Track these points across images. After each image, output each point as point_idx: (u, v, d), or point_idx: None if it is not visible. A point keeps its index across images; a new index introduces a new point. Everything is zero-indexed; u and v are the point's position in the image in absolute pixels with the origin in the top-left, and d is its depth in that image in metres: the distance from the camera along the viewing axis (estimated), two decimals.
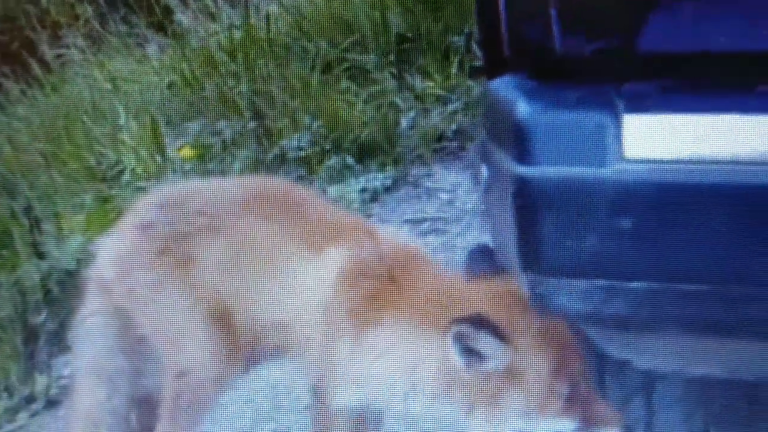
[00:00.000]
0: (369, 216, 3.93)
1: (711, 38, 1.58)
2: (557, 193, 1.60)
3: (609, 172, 1.57)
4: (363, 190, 4.13)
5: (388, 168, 4.31)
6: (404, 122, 4.51)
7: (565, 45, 1.65)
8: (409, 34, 5.08)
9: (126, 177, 4.28)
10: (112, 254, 2.33)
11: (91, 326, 2.33)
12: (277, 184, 2.48)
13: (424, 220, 3.84)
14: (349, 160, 4.30)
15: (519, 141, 1.63)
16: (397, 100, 4.65)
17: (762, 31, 1.56)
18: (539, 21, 1.67)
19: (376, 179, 4.22)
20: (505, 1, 1.77)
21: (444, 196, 4.03)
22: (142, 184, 4.11)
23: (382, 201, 4.10)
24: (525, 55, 1.75)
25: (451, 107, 4.61)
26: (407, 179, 4.28)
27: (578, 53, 1.65)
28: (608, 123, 1.58)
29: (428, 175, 4.28)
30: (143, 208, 2.37)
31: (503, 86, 1.80)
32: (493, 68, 1.92)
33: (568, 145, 1.59)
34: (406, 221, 3.87)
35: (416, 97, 4.74)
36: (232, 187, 2.43)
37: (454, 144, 4.42)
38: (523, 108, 1.65)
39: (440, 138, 4.49)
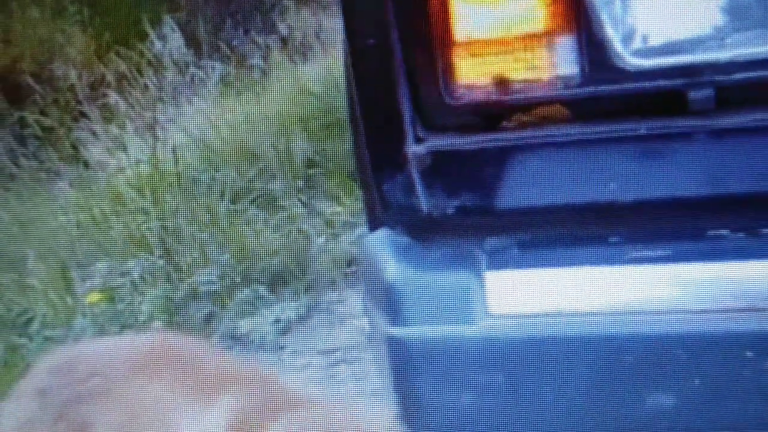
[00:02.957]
0: (282, 349, 3.93)
1: (566, 192, 1.64)
2: (428, 352, 1.64)
3: (476, 328, 1.61)
4: (276, 322, 4.13)
5: (300, 296, 4.32)
6: (315, 249, 4.53)
7: (429, 204, 1.71)
8: (316, 159, 5.15)
9: (35, 325, 4.23)
10: (11, 423, 2.32)
11: None
12: (168, 339, 2.50)
13: (336, 350, 3.85)
14: (261, 290, 4.30)
15: (388, 301, 1.67)
16: (307, 227, 4.68)
17: (613, 183, 1.63)
18: (404, 181, 1.73)
19: (289, 309, 4.22)
20: (371, 161, 1.82)
21: (356, 322, 4.05)
22: (51, 332, 4.07)
23: (295, 331, 4.10)
24: (394, 213, 1.81)
25: (360, 231, 4.65)
26: (320, 307, 4.29)
27: (443, 212, 1.71)
28: (472, 280, 1.63)
29: (340, 301, 4.30)
30: (39, 373, 2.37)
31: (377, 242, 1.85)
32: (372, 222, 1.97)
33: (436, 303, 1.63)
34: (319, 352, 3.87)
35: (326, 223, 4.78)
36: (124, 346, 2.45)
37: (359, 274, 4.46)
38: (391, 268, 1.70)
39: (351, 262, 4.52)
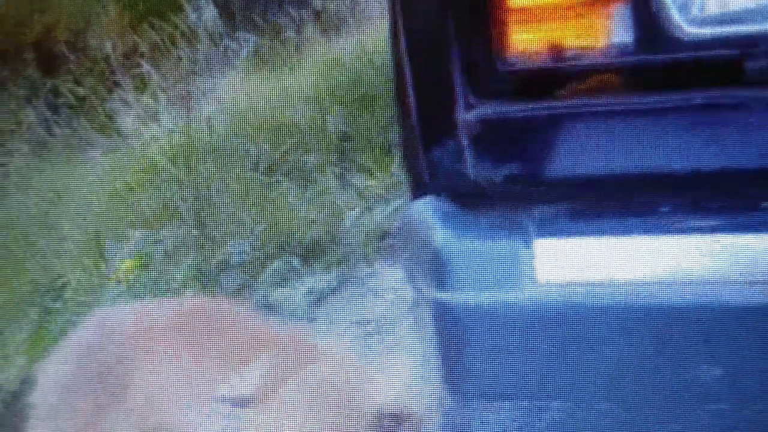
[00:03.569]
0: (314, 320, 3.93)
1: (618, 161, 1.64)
2: (475, 317, 1.63)
3: (524, 296, 1.61)
4: (309, 293, 4.13)
5: (333, 268, 4.32)
6: (348, 221, 4.53)
7: (478, 171, 1.70)
8: (350, 132, 5.14)
9: (69, 290, 4.25)
10: (55, 379, 2.36)
11: None
12: (209, 303, 2.53)
13: (369, 321, 3.85)
14: (294, 262, 4.30)
15: (436, 266, 1.67)
16: (340, 200, 4.68)
17: (665, 152, 1.62)
18: (453, 148, 1.73)
19: (322, 281, 4.22)
20: (420, 127, 1.82)
21: (388, 295, 4.05)
22: (85, 298, 4.09)
23: (328, 303, 4.11)
24: (441, 180, 1.80)
25: (393, 204, 4.64)
26: (353, 279, 4.30)
27: (491, 179, 1.70)
28: (521, 248, 1.63)
29: (373, 274, 4.30)
30: (84, 332, 2.40)
31: (423, 209, 1.84)
32: (416, 189, 1.97)
33: (484, 270, 1.63)
34: (352, 323, 3.88)
35: (359, 196, 4.77)
36: (165, 309, 2.47)
37: (399, 241, 4.45)
38: (439, 234, 1.70)
39: (384, 236, 4.51)
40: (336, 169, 4.95)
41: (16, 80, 6.89)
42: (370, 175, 4.91)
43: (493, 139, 1.71)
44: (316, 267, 4.36)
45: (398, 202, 4.67)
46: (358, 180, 4.87)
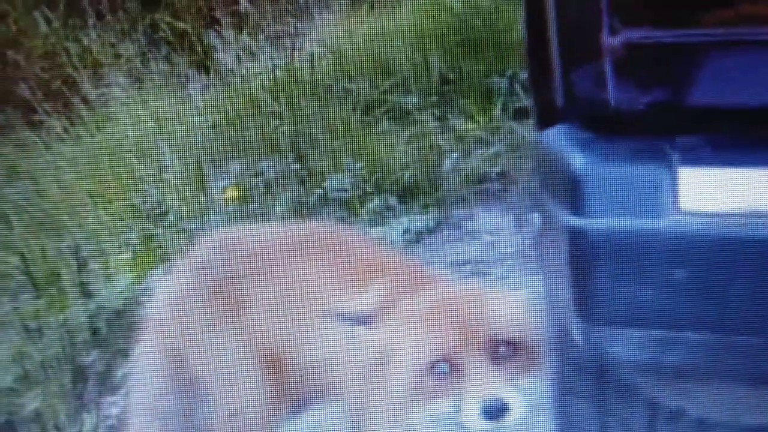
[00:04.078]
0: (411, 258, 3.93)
1: (764, 92, 1.59)
2: (612, 244, 1.61)
3: (665, 224, 1.58)
4: (406, 232, 4.14)
5: (430, 209, 4.32)
6: (447, 164, 4.52)
7: (619, 98, 1.67)
8: (451, 76, 5.11)
9: (170, 217, 4.31)
10: (168, 295, 2.39)
11: (144, 365, 2.37)
12: (324, 227, 2.53)
13: (467, 262, 3.85)
14: (392, 201, 4.31)
15: (573, 192, 1.65)
16: (439, 142, 4.66)
17: None
18: (593, 73, 1.70)
19: (419, 221, 4.23)
20: (559, 53, 1.79)
21: (486, 238, 4.04)
22: (185, 224, 4.15)
23: (424, 243, 4.11)
24: (578, 107, 1.77)
25: (493, 149, 4.62)
26: (450, 221, 4.29)
27: (632, 106, 1.67)
28: (663, 176, 1.60)
29: (470, 217, 4.30)
30: (199, 250, 2.42)
31: (556, 137, 1.82)
32: (544, 118, 1.94)
33: (623, 196, 1.61)
34: (450, 263, 3.88)
35: (458, 139, 4.75)
36: (282, 231, 2.48)
37: (497, 186, 4.43)
38: (578, 160, 1.67)
39: (482, 180, 4.50)
40: (436, 112, 4.93)
41: (115, 13, 6.93)
42: (470, 119, 4.88)
43: (637, 65, 1.67)
44: (413, 207, 4.36)
45: (497, 147, 4.65)
46: (458, 123, 4.85)
